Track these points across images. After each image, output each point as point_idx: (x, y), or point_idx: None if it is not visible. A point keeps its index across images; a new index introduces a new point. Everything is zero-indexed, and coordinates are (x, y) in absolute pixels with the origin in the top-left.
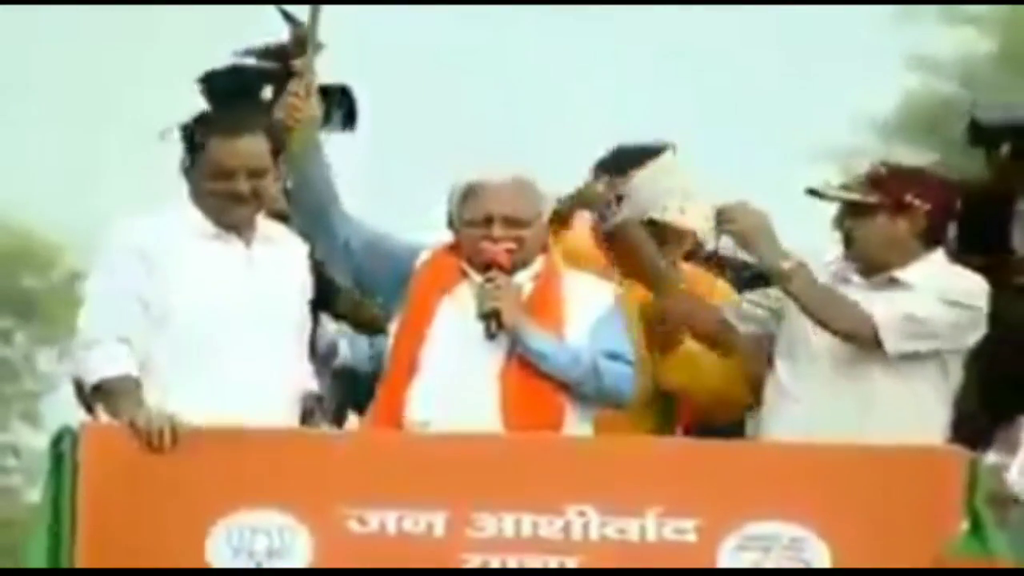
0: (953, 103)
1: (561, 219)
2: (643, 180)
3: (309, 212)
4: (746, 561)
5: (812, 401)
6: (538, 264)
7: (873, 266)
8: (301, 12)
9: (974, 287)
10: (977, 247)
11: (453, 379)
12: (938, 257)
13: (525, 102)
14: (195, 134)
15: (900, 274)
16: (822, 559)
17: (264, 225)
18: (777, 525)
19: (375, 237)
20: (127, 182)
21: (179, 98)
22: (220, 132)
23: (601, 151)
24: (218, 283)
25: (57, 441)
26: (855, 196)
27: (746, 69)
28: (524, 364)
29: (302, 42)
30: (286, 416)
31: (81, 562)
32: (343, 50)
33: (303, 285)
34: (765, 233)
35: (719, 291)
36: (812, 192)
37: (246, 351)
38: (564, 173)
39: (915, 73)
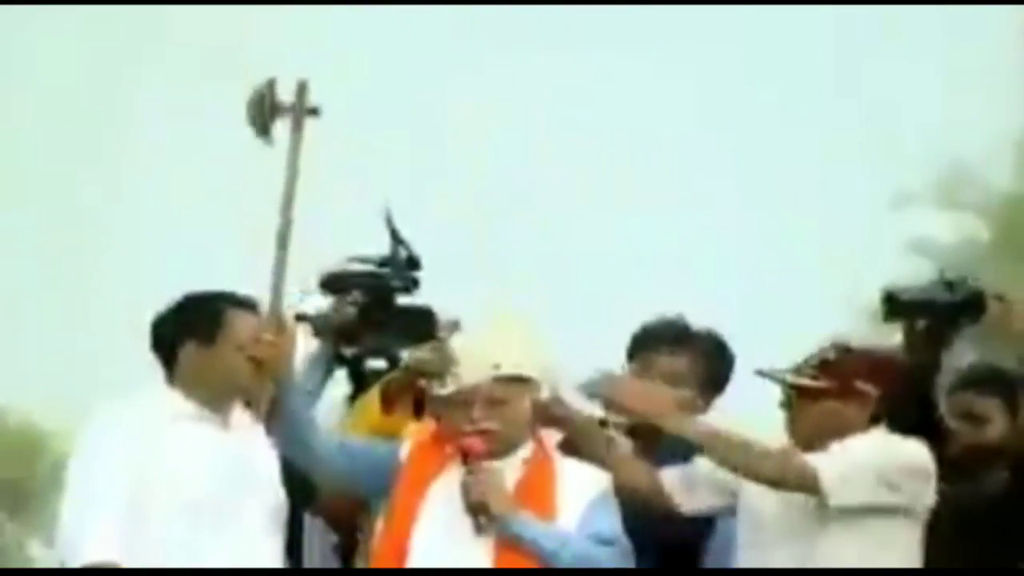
0: None
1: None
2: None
3: (287, 441)
4: None
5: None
6: (528, 448)
7: (817, 447)
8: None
9: (920, 448)
10: (904, 421)
11: (444, 567)
12: (879, 432)
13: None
14: (213, 308)
15: (838, 445)
16: None
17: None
18: None
19: (358, 449)
20: (113, 368)
21: (163, 292)
22: (238, 305)
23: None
24: (203, 465)
25: None
26: (803, 381)
27: (745, 256)
28: (516, 551)
29: (409, 259)
30: None
31: None
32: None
33: (275, 468)
34: (644, 396)
35: None
36: (761, 374)
37: (233, 533)
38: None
39: (912, 259)
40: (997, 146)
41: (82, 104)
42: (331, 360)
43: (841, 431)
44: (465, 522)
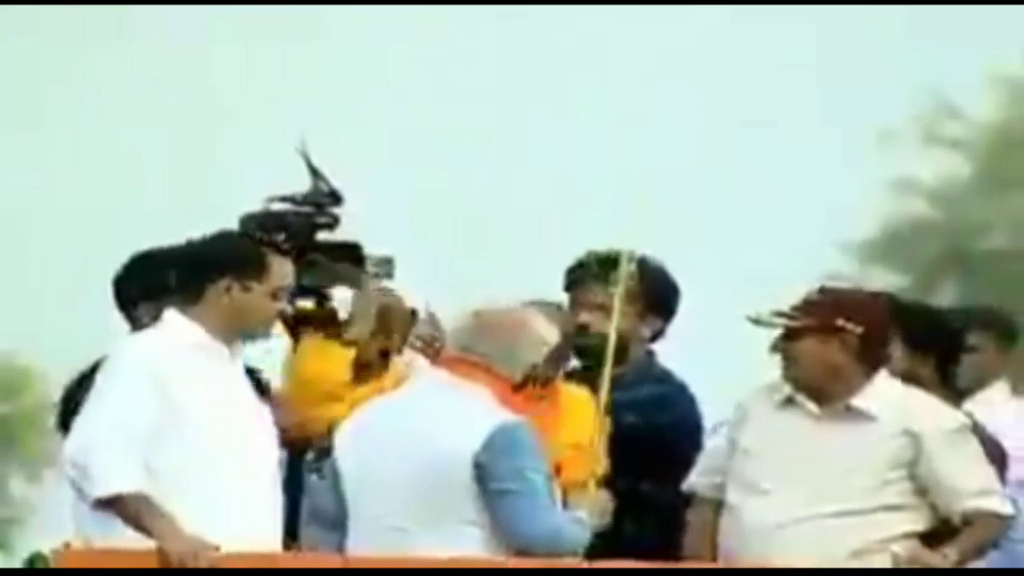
0: (928, 225)
1: None
2: None
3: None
4: None
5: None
6: None
7: (819, 393)
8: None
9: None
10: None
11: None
12: (885, 379)
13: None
14: (257, 250)
15: (857, 403)
16: None
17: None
18: None
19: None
20: (101, 309)
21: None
22: (278, 251)
23: None
24: (219, 395)
25: (30, 564)
26: (784, 321)
27: (728, 195)
28: None
29: (330, 192)
30: (279, 525)
31: None
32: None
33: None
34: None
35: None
36: (751, 320)
37: (250, 460)
38: None
39: (895, 196)
40: (978, 81)
41: None
42: None
43: (831, 371)
44: None
